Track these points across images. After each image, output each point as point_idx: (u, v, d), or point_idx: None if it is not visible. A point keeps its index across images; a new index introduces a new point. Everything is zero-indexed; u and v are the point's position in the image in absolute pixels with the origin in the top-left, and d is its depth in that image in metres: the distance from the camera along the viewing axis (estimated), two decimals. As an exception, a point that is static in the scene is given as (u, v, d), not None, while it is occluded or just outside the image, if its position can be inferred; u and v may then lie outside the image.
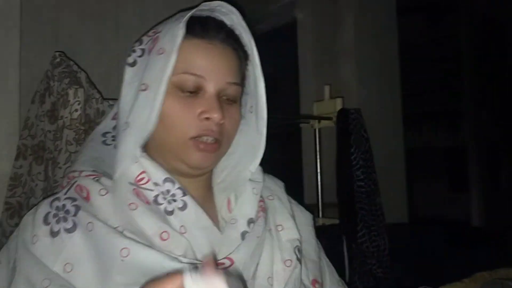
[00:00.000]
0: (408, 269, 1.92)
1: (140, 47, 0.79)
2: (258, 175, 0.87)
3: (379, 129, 2.25)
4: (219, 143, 0.78)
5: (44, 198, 0.79)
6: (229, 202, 0.84)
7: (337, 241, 1.88)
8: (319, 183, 2.11)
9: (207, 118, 0.76)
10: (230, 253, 0.72)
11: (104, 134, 0.88)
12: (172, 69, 0.74)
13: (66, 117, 1.23)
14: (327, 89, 2.07)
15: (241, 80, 0.83)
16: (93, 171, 0.78)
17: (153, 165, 0.77)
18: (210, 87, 0.77)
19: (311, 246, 0.89)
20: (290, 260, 0.80)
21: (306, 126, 2.16)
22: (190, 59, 0.76)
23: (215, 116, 0.76)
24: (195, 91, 0.77)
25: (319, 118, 2.05)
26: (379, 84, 2.40)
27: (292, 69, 2.49)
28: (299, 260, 0.81)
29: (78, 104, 1.24)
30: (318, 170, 2.12)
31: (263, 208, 0.83)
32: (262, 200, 0.85)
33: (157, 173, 0.76)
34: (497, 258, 1.79)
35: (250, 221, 0.79)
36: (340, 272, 0.93)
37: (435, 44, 4.48)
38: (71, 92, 1.24)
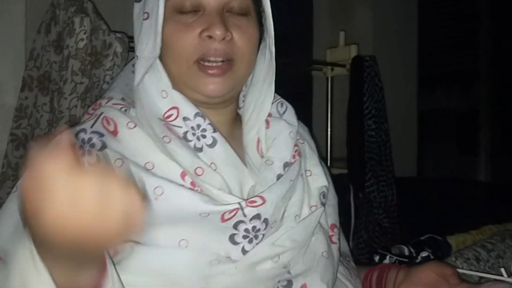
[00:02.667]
0: (415, 222, 1.92)
1: None
2: (293, 117, 0.84)
3: (393, 82, 2.18)
4: (231, 63, 0.73)
5: (50, 129, 0.75)
6: (258, 141, 0.80)
7: (344, 190, 1.87)
8: (329, 133, 2.08)
9: (209, 37, 0.71)
10: (262, 192, 0.71)
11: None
12: None
13: (72, 47, 1.19)
14: (342, 35, 1.99)
15: None
16: (122, 99, 0.75)
17: (184, 99, 0.73)
18: (209, 2, 0.72)
19: (331, 191, 0.88)
20: (316, 205, 0.79)
21: (318, 74, 2.10)
22: None
23: (217, 32, 0.70)
24: (195, 10, 0.72)
25: (333, 65, 1.99)
26: (396, 36, 2.31)
27: (306, 16, 2.41)
28: (323, 204, 0.81)
29: (84, 33, 1.20)
30: (329, 121, 2.08)
31: (298, 153, 0.81)
32: (296, 143, 0.82)
33: (188, 107, 0.73)
34: (505, 212, 1.77)
35: (286, 165, 0.77)
36: (346, 221, 0.93)
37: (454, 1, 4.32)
38: (77, 20, 1.19)
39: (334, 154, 2.09)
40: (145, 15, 0.72)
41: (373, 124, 1.86)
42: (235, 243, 0.68)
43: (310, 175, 0.83)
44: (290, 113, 0.85)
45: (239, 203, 0.68)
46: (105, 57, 1.26)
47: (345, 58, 1.95)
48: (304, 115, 0.92)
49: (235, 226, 0.68)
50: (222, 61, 0.72)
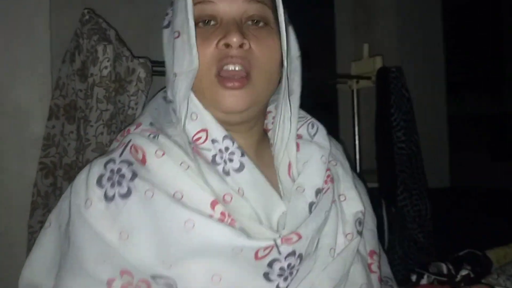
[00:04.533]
0: (451, 236, 1.85)
1: (171, 8, 0.76)
2: (324, 139, 0.80)
3: (420, 91, 2.13)
4: (250, 74, 0.70)
5: (97, 157, 0.74)
6: (289, 165, 0.77)
7: (375, 205, 1.81)
8: (357, 147, 2.03)
9: (227, 45, 0.69)
10: (298, 228, 0.68)
11: (164, 97, 0.82)
12: (192, 3, 0.69)
13: (96, 75, 1.20)
14: (366, 47, 1.96)
15: (271, 3, 0.74)
16: (151, 124, 0.74)
17: (214, 121, 0.71)
18: (225, 11, 0.70)
19: (369, 215, 0.83)
20: (351, 233, 0.75)
21: (343, 87, 2.07)
22: None
23: (233, 40, 0.68)
24: (213, 22, 0.71)
25: (358, 78, 1.95)
26: (421, 45, 2.26)
27: (328, 30, 2.39)
28: (359, 233, 0.76)
29: (108, 61, 1.21)
30: (356, 134, 2.04)
31: (331, 178, 0.77)
32: (328, 168, 0.78)
33: (217, 129, 0.71)
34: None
35: (318, 191, 0.73)
36: (379, 237, 0.89)
37: (478, 5, 4.23)
38: (100, 48, 1.20)
39: (363, 166, 2.05)
40: (176, 34, 0.71)
41: (402, 136, 1.81)
42: (269, 280, 0.65)
43: (345, 199, 0.78)
44: (321, 135, 0.81)
45: (274, 240, 0.65)
46: (129, 83, 1.27)
47: (370, 70, 1.92)
48: (331, 129, 0.88)
49: (270, 265, 0.65)
50: (241, 73, 0.69)
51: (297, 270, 0.67)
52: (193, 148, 0.70)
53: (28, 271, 0.71)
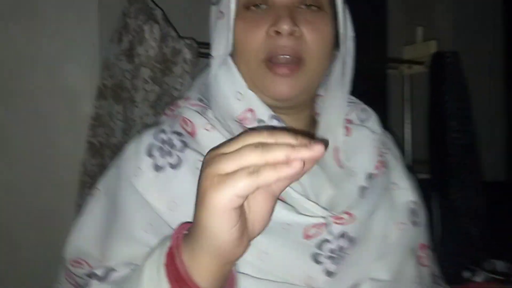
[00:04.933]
0: (507, 231, 1.74)
1: None
2: (376, 125, 0.77)
3: (478, 81, 2.00)
4: (301, 62, 0.67)
5: (145, 127, 0.74)
6: (335, 150, 0.73)
7: (427, 197, 1.73)
8: (409, 137, 1.95)
9: (277, 32, 0.65)
10: (351, 208, 0.64)
11: None
12: None
13: (142, 55, 1.20)
14: (419, 30, 1.86)
15: None
16: (199, 99, 0.73)
17: (259, 101, 0.68)
18: None
19: (421, 209, 0.79)
20: (404, 223, 0.71)
21: (394, 73, 1.98)
22: None
23: (284, 27, 0.64)
24: (265, 6, 0.68)
25: (410, 62, 1.86)
26: (479, 32, 2.13)
27: (379, 13, 2.29)
28: (413, 223, 0.72)
29: (154, 41, 1.20)
30: (407, 122, 1.95)
31: (383, 163, 0.73)
32: (380, 153, 0.74)
33: (263, 109, 0.68)
34: None
35: (369, 176, 0.70)
36: (430, 231, 0.84)
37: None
38: (146, 28, 1.20)
39: (414, 157, 1.96)
40: (220, 15, 0.69)
41: (456, 125, 1.72)
42: (318, 262, 0.62)
43: (397, 188, 0.74)
44: (373, 120, 0.77)
45: (325, 218, 0.62)
46: (175, 64, 1.26)
47: (424, 55, 1.82)
48: (380, 117, 0.84)
49: (319, 245, 0.62)
50: (291, 60, 0.67)
51: (348, 255, 0.64)
52: (240, 126, 0.68)
53: (75, 237, 0.70)
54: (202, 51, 1.29)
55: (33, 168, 1.35)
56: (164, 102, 1.25)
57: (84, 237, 0.70)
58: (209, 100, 0.73)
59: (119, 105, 1.29)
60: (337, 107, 0.74)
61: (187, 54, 1.28)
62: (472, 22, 2.10)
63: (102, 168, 1.32)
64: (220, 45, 0.69)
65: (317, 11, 0.69)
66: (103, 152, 1.32)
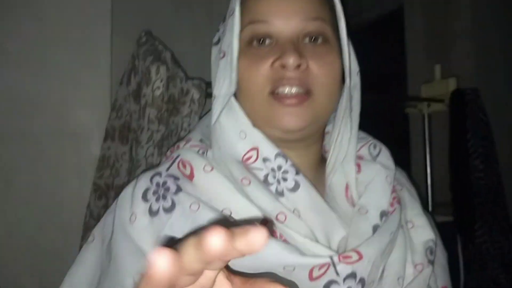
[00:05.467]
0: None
1: (223, 24, 0.74)
2: (388, 160, 0.74)
3: (499, 120, 1.92)
4: (309, 93, 0.65)
5: (144, 171, 0.73)
6: (347, 187, 0.71)
7: (451, 241, 1.64)
8: (430, 176, 1.87)
9: (282, 66, 0.64)
10: (359, 246, 0.61)
11: None
12: (239, 24, 0.67)
13: (149, 95, 1.19)
14: (438, 68, 1.82)
15: (330, 19, 0.70)
16: (200, 140, 0.72)
17: (264, 138, 0.67)
18: (281, 30, 0.66)
19: (439, 249, 0.75)
20: (422, 264, 0.67)
21: (414, 112, 1.93)
22: (254, 9, 0.68)
23: (290, 60, 0.63)
24: (268, 41, 0.67)
25: (429, 100, 1.81)
26: (499, 71, 2.06)
27: (399, 57, 2.26)
28: (431, 262, 0.68)
29: (160, 81, 1.19)
30: (428, 162, 1.87)
31: (397, 200, 0.70)
32: (394, 190, 0.72)
33: (268, 147, 0.66)
34: None
35: (383, 214, 0.67)
36: (455, 278, 0.78)
37: None
38: (153, 69, 1.19)
39: (436, 199, 1.87)
40: (222, 54, 0.69)
41: (480, 164, 1.63)
42: None
43: (412, 227, 0.71)
44: (385, 155, 0.75)
45: (330, 257, 0.59)
46: (182, 104, 1.24)
47: (443, 92, 1.77)
48: (401, 157, 0.82)
49: (326, 287, 0.58)
50: (298, 91, 0.65)
51: None
52: (243, 167, 0.66)
53: (67, 286, 0.69)
54: (211, 91, 1.27)
55: (37, 211, 1.33)
56: (171, 142, 1.23)
57: (76, 286, 0.68)
58: (211, 141, 0.71)
59: (125, 146, 1.27)
60: (347, 142, 0.71)
61: (195, 94, 1.26)
62: (492, 62, 2.04)
63: (106, 210, 1.29)
64: (223, 85, 0.68)
65: (323, 44, 0.67)
66: (108, 195, 1.29)
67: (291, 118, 0.65)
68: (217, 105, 0.68)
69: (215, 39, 0.74)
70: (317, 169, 0.74)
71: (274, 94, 0.65)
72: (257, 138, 0.66)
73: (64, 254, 1.32)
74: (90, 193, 1.31)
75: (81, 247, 1.27)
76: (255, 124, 0.68)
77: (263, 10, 0.67)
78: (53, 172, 1.36)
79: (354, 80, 0.70)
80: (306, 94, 0.65)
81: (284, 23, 0.66)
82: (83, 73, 1.41)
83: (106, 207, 1.30)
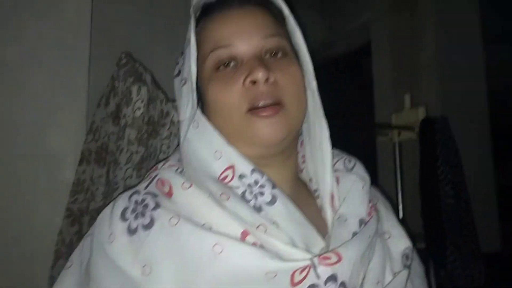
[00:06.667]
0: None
1: (182, 57, 0.75)
2: (364, 173, 0.77)
3: (467, 148, 1.99)
4: (281, 103, 0.67)
5: (122, 192, 0.72)
6: (332, 197, 0.73)
7: (423, 267, 1.66)
8: (400, 205, 1.90)
9: (253, 82, 0.67)
10: (338, 248, 0.62)
11: None
12: (195, 49, 0.70)
13: (129, 116, 1.17)
14: (407, 97, 1.89)
15: (285, 33, 0.74)
16: (178, 160, 0.73)
17: (239, 156, 0.68)
18: (244, 51, 0.69)
19: (416, 261, 0.77)
20: (399, 271, 0.69)
21: (384, 140, 1.98)
22: (213, 35, 0.71)
23: (259, 75, 0.66)
24: (233, 63, 0.70)
25: (400, 128, 1.86)
26: (465, 96, 2.16)
27: (368, 89, 2.33)
28: (406, 267, 0.70)
29: (141, 102, 1.18)
30: (399, 190, 1.91)
31: (374, 208, 0.73)
32: (371, 199, 0.74)
33: (244, 164, 0.67)
34: None
35: (362, 222, 0.69)
36: None
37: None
38: (134, 89, 1.18)
39: (408, 225, 1.89)
40: (183, 82, 0.71)
41: (450, 190, 1.68)
42: None
43: (389, 237, 0.73)
44: (360, 168, 0.78)
45: (311, 259, 0.59)
46: (162, 126, 1.23)
47: (413, 121, 1.83)
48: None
49: None
50: (272, 103, 0.67)
51: None
52: (220, 184, 0.67)
53: None
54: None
55: (4, 237, 1.26)
56: (150, 165, 1.20)
57: None
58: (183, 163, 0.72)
59: (102, 169, 1.24)
60: (319, 143, 0.74)
61: (175, 117, 1.25)
62: (458, 86, 2.13)
63: (79, 237, 1.24)
64: (187, 109, 0.70)
65: (283, 57, 0.71)
66: (81, 220, 1.25)
67: (271, 129, 0.67)
68: (184, 128, 0.70)
69: (176, 72, 0.75)
70: (293, 184, 0.75)
71: (251, 111, 0.67)
72: (233, 155, 0.67)
73: (31, 284, 1.26)
74: (62, 219, 1.26)
75: (51, 276, 1.21)
76: (231, 143, 0.69)
77: (224, 35, 0.70)
78: (24, 197, 1.30)
79: (312, 85, 0.74)
80: (278, 105, 0.67)
81: (246, 43, 0.69)
82: (59, 95, 1.38)
83: (79, 233, 1.25)
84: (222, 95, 0.68)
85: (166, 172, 0.70)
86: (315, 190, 0.76)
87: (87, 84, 1.41)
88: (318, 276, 0.58)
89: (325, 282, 0.58)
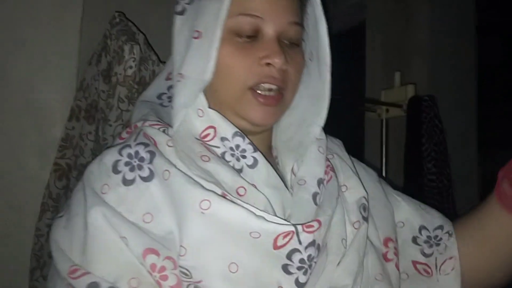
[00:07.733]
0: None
1: None
2: (320, 132, 0.78)
3: (453, 126, 2.03)
4: (283, 93, 0.70)
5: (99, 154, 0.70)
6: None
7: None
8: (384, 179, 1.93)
9: (268, 64, 0.68)
10: (318, 215, 0.65)
11: (159, 96, 0.80)
12: (227, 12, 0.67)
13: (120, 74, 1.17)
14: (397, 75, 1.90)
15: (302, 22, 0.75)
16: (158, 121, 0.71)
17: (222, 118, 0.69)
18: (270, 29, 0.69)
19: (381, 202, 0.79)
20: (358, 221, 0.72)
21: (372, 116, 2.00)
22: (248, 1, 0.69)
23: (277, 61, 0.67)
24: (254, 35, 0.69)
25: (388, 105, 1.89)
26: (453, 76, 2.18)
27: (358, 57, 2.34)
28: (365, 219, 0.73)
29: (133, 61, 1.18)
30: (384, 165, 1.95)
31: (331, 168, 0.75)
32: (327, 159, 0.76)
33: (226, 127, 0.69)
34: None
35: (320, 182, 0.71)
36: None
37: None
38: (126, 48, 1.18)
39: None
40: (196, 34, 0.68)
41: (433, 167, 1.72)
42: (288, 272, 0.60)
43: (346, 189, 0.75)
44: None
45: (295, 226, 0.61)
46: (149, 87, 1.23)
47: (402, 98, 1.85)
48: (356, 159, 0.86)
49: (289, 256, 0.60)
50: (276, 90, 0.69)
51: (315, 263, 0.62)
52: (201, 144, 0.68)
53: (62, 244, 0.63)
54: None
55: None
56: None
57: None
58: (166, 121, 0.71)
59: (91, 125, 1.25)
60: (309, 124, 0.76)
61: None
62: (447, 67, 2.15)
63: (67, 191, 1.25)
64: (195, 68, 0.68)
65: (296, 47, 0.73)
66: (69, 175, 1.26)
67: (266, 116, 0.69)
68: (186, 87, 0.68)
69: (179, 9, 0.72)
70: (267, 151, 0.78)
71: (253, 89, 0.68)
72: (215, 117, 0.69)
73: (20, 234, 1.28)
74: (50, 173, 1.27)
75: (37, 228, 1.23)
76: (220, 111, 0.69)
77: (257, 6, 0.68)
78: (13, 150, 1.31)
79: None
80: (280, 93, 0.69)
81: (273, 23, 0.69)
82: (50, 52, 1.37)
83: (66, 188, 1.27)
84: (233, 62, 0.68)
85: (150, 129, 0.69)
86: (276, 157, 0.78)
87: (78, 42, 1.40)
88: (300, 242, 0.60)
89: (306, 247, 0.60)
